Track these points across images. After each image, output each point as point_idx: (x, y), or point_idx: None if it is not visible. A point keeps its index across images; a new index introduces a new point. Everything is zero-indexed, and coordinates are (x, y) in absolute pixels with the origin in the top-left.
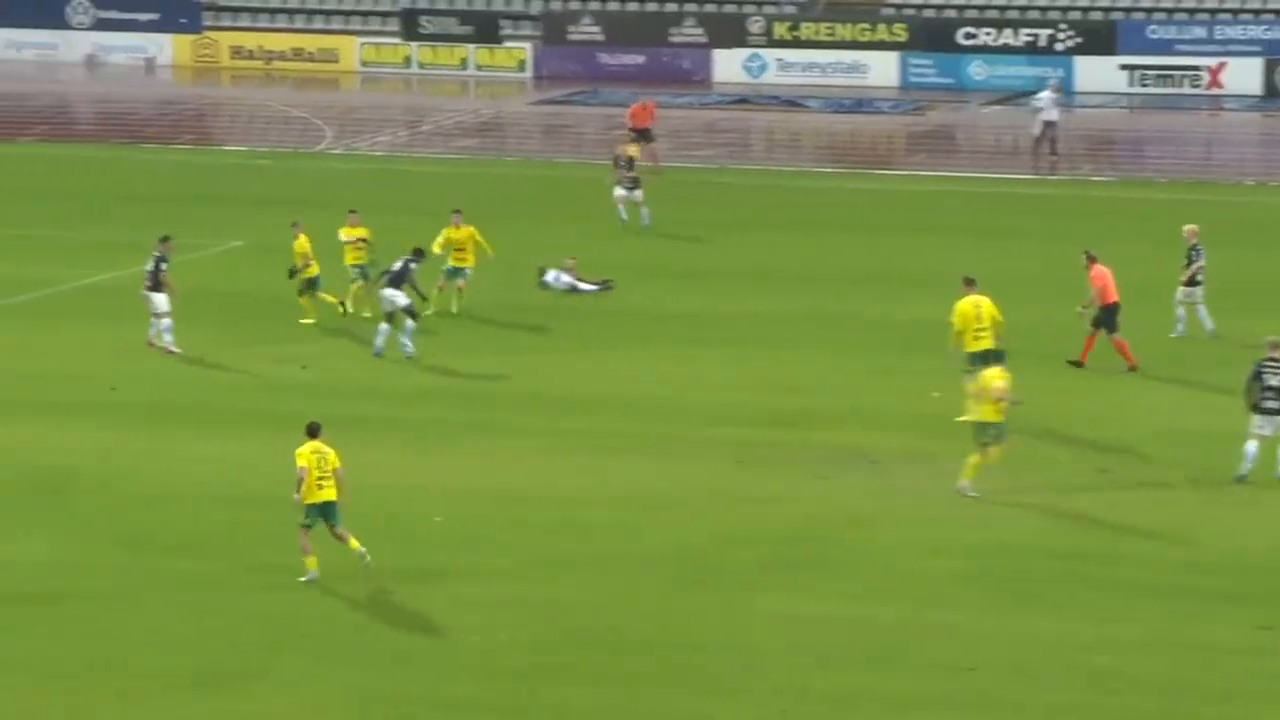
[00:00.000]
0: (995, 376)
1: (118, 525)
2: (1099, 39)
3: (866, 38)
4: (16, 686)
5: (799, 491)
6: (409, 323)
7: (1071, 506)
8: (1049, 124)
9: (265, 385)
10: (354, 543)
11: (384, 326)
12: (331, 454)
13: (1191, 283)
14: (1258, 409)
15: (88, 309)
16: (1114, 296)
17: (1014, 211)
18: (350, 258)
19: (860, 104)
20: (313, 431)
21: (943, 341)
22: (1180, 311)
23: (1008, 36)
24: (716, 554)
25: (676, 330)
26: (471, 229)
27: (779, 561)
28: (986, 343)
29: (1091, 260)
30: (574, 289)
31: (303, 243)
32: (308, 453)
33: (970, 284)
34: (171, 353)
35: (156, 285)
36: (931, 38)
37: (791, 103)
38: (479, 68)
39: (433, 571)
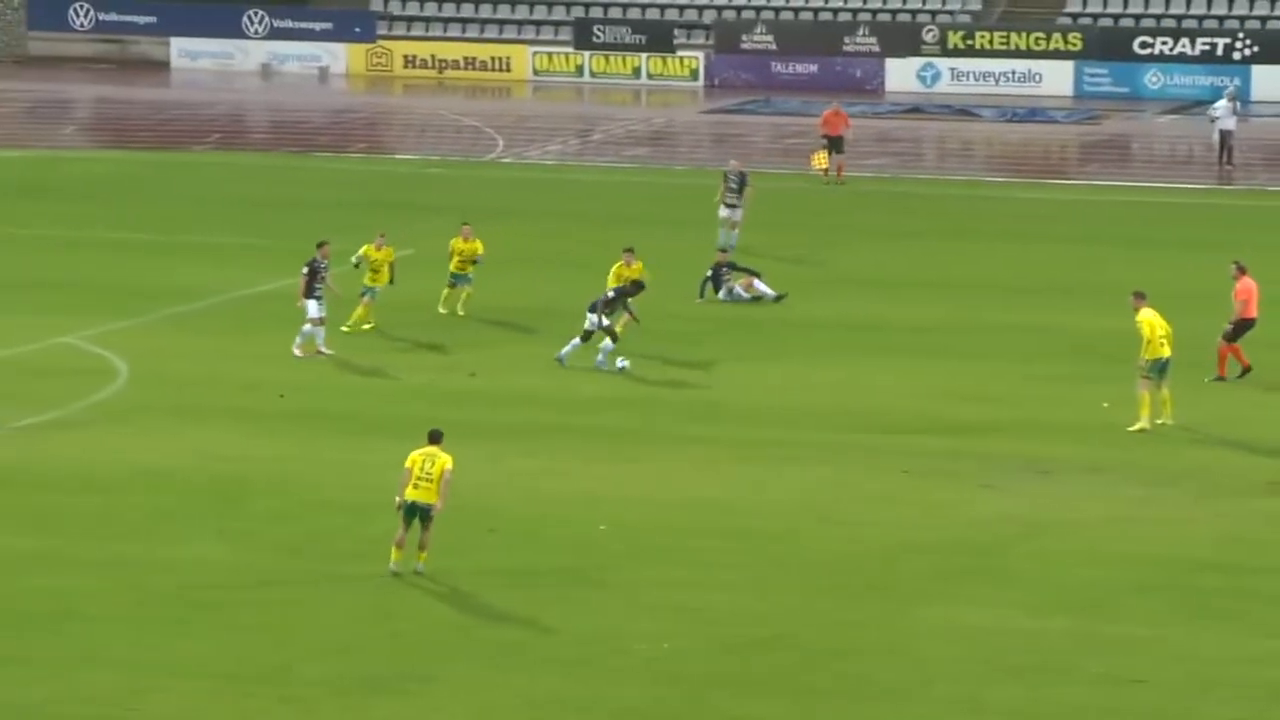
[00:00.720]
0: None
1: (288, 531)
2: (1277, 48)
3: (1041, 47)
4: (189, 690)
5: (968, 501)
6: (608, 342)
7: (1242, 519)
8: (1225, 133)
9: (432, 393)
10: (423, 557)
11: (579, 341)
12: (442, 459)
13: None
14: None
15: (260, 315)
16: (1254, 312)
17: (1189, 222)
18: (456, 266)
19: (1033, 113)
20: (433, 438)
21: (1112, 350)
22: None
23: (1184, 45)
24: (885, 563)
25: (846, 339)
26: (640, 265)
27: (948, 571)
28: (1167, 351)
29: (1241, 271)
30: (759, 295)
31: (387, 253)
32: (417, 455)
33: (1141, 298)
34: (322, 353)
35: (308, 292)
36: (1107, 46)
37: (964, 112)
38: (651, 76)
39: (604, 578)
